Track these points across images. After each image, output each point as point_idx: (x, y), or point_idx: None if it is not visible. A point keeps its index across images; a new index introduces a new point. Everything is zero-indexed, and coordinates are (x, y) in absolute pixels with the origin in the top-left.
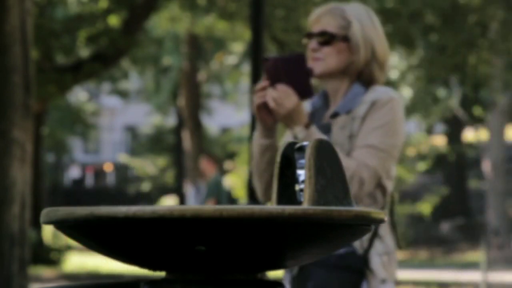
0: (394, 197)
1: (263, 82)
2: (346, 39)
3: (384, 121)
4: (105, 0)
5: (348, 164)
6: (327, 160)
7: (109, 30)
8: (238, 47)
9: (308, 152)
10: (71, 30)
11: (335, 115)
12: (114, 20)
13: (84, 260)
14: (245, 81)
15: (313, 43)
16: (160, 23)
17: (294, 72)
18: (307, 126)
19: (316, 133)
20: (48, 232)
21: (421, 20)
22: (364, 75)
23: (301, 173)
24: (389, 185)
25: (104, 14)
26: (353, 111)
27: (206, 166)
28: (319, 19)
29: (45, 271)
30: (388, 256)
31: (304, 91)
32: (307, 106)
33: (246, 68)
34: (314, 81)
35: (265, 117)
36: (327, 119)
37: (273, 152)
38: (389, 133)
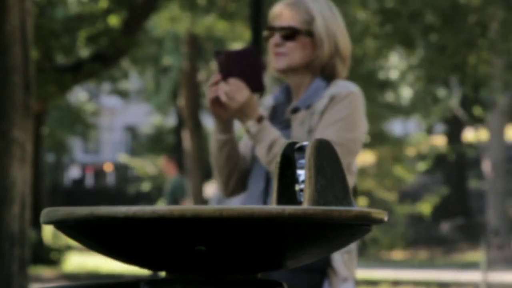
0: (357, 191)
1: (215, 77)
2: (309, 33)
3: (343, 115)
4: (105, 0)
5: None
6: (327, 160)
7: (109, 30)
8: (238, 47)
9: (308, 152)
10: (71, 30)
11: (295, 110)
12: (114, 20)
13: (84, 260)
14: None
15: (276, 38)
16: (160, 23)
17: (246, 66)
18: (259, 120)
19: (269, 128)
20: (48, 232)
21: (421, 20)
22: (327, 70)
23: (301, 173)
24: (351, 181)
25: (104, 14)
26: (313, 106)
27: (167, 167)
28: (282, 13)
29: (45, 271)
30: (349, 254)
31: (256, 85)
32: (269, 100)
33: None
34: (276, 75)
35: (219, 112)
36: (288, 114)
37: (230, 147)
38: (347, 127)
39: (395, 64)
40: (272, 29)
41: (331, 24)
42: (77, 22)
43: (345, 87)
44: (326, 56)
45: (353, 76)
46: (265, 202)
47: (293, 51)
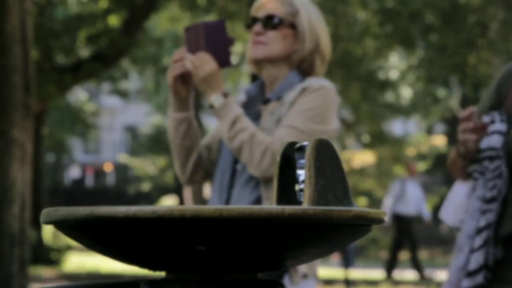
0: None
1: (180, 52)
2: (292, 26)
3: (312, 106)
4: (105, 0)
5: (262, 138)
6: (327, 160)
7: (109, 30)
8: (238, 47)
9: (308, 152)
10: (71, 30)
11: (266, 101)
12: (114, 20)
13: (84, 260)
14: (245, 81)
15: (257, 26)
16: (160, 23)
17: (214, 39)
18: (224, 95)
19: (233, 104)
20: (48, 232)
21: (421, 20)
22: (304, 65)
23: (301, 173)
24: None
25: (104, 14)
26: (284, 97)
27: None
28: (266, 4)
29: (45, 271)
30: None
31: (223, 59)
32: (242, 96)
33: (246, 68)
34: (253, 68)
35: (180, 89)
36: (259, 106)
37: (187, 126)
38: (314, 118)
39: (395, 64)
40: (255, 19)
41: (314, 21)
42: (77, 22)
43: (317, 81)
44: (306, 51)
45: (353, 76)
46: (229, 194)
47: (274, 41)
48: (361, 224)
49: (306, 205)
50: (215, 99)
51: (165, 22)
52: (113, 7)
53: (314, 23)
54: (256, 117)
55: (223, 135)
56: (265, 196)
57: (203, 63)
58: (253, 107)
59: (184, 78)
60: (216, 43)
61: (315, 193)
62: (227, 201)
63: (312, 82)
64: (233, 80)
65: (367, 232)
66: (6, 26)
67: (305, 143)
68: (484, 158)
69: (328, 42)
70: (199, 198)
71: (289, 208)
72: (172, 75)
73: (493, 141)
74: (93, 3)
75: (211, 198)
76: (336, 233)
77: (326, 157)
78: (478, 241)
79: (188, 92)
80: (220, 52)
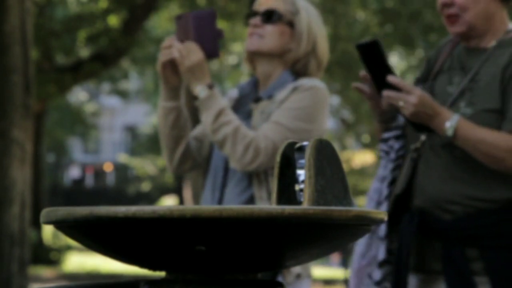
0: None
1: (169, 40)
2: (291, 24)
3: (301, 105)
4: (105, 0)
5: (246, 132)
6: (327, 160)
7: (109, 30)
8: (238, 47)
9: (308, 152)
10: (71, 30)
11: (257, 100)
12: (114, 20)
13: (84, 260)
14: (244, 81)
15: (256, 19)
16: (160, 23)
17: (203, 30)
18: (210, 87)
19: (218, 96)
20: (48, 232)
21: (421, 20)
22: (298, 66)
23: (301, 173)
24: None
25: (104, 14)
26: (275, 96)
27: None
28: (269, 0)
29: (45, 271)
30: None
31: (211, 50)
32: (234, 92)
33: (246, 68)
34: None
35: (169, 77)
36: (251, 105)
37: (176, 115)
38: (302, 117)
39: (395, 64)
40: (255, 13)
41: (314, 24)
42: (77, 22)
43: (310, 81)
44: (301, 51)
45: (353, 76)
46: (222, 193)
47: (270, 35)
48: (361, 224)
49: (306, 205)
50: (200, 90)
51: (165, 22)
52: (113, 7)
53: (313, 26)
54: (247, 116)
55: (206, 127)
56: (258, 195)
57: (189, 52)
58: (245, 104)
59: (175, 67)
60: (205, 33)
61: (315, 193)
62: (220, 201)
63: (304, 81)
64: (233, 80)
65: (367, 232)
66: (6, 26)
67: (305, 143)
68: (390, 137)
69: (326, 48)
70: (199, 198)
71: (289, 208)
72: (161, 62)
73: (402, 119)
74: (93, 3)
75: (204, 197)
76: (336, 233)
77: (326, 157)
78: (382, 229)
79: (179, 81)
80: (208, 43)
